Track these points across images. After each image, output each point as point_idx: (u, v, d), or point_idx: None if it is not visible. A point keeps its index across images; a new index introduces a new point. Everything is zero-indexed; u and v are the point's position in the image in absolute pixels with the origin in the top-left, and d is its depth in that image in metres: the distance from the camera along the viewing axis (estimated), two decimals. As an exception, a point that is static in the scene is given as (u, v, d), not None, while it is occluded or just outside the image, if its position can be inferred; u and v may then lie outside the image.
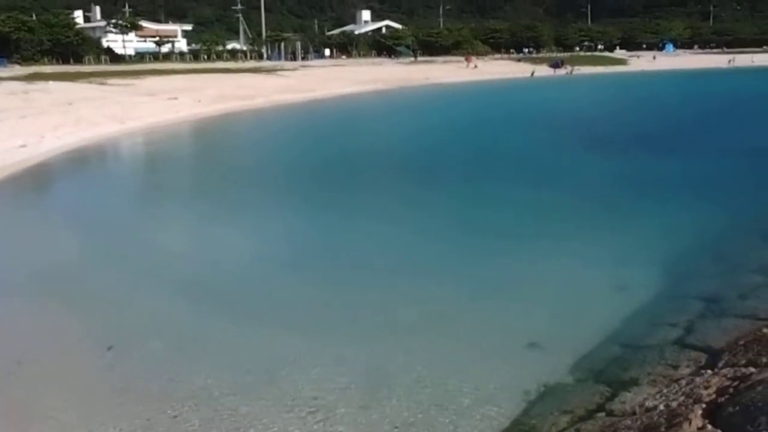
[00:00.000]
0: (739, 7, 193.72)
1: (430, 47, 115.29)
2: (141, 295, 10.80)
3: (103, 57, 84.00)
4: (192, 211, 17.44)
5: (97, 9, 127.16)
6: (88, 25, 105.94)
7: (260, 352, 8.57)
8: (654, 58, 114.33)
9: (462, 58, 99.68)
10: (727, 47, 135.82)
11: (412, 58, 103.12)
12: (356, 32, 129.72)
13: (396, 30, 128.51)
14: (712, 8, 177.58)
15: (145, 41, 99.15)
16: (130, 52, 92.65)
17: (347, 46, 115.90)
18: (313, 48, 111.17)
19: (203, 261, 12.82)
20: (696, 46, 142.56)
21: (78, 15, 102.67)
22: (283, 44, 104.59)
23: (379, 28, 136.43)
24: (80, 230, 15.17)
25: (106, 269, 12.26)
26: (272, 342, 8.86)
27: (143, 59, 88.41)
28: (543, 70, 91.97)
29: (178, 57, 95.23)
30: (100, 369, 8.29)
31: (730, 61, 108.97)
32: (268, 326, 9.41)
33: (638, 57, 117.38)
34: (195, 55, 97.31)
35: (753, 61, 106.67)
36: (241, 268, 12.34)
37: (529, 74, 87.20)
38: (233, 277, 11.74)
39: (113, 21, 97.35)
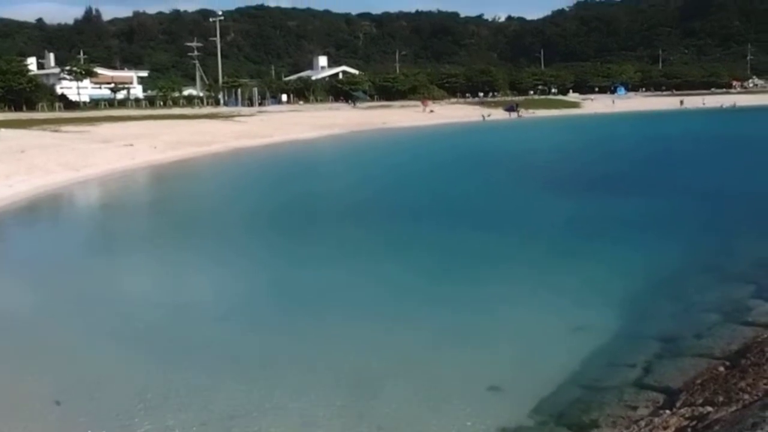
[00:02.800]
0: (686, 51, 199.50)
1: (387, 92, 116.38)
2: (90, 348, 10.53)
3: (57, 104, 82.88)
4: (148, 262, 17.15)
5: (51, 56, 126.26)
6: (41, 72, 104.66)
7: (216, 403, 8.39)
8: (613, 102, 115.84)
9: (418, 103, 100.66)
10: (677, 89, 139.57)
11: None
12: (313, 78, 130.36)
13: (353, 75, 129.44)
14: (660, 52, 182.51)
15: (100, 88, 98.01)
16: (85, 98, 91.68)
17: (304, 92, 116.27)
18: (270, 94, 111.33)
19: (159, 312, 12.56)
20: (642, 89, 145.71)
21: (31, 62, 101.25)
22: (239, 90, 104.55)
23: (336, 74, 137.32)
24: (31, 282, 14.84)
25: (54, 323, 11.96)
26: (229, 392, 8.69)
27: (98, 106, 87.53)
28: (498, 114, 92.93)
29: (134, 103, 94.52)
30: (49, 425, 8.05)
31: (681, 102, 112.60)
32: (224, 376, 9.24)
33: (592, 100, 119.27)
34: (151, 102, 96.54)
35: (704, 103, 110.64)
36: (198, 317, 12.11)
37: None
38: (189, 328, 11.52)
39: (67, 68, 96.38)
